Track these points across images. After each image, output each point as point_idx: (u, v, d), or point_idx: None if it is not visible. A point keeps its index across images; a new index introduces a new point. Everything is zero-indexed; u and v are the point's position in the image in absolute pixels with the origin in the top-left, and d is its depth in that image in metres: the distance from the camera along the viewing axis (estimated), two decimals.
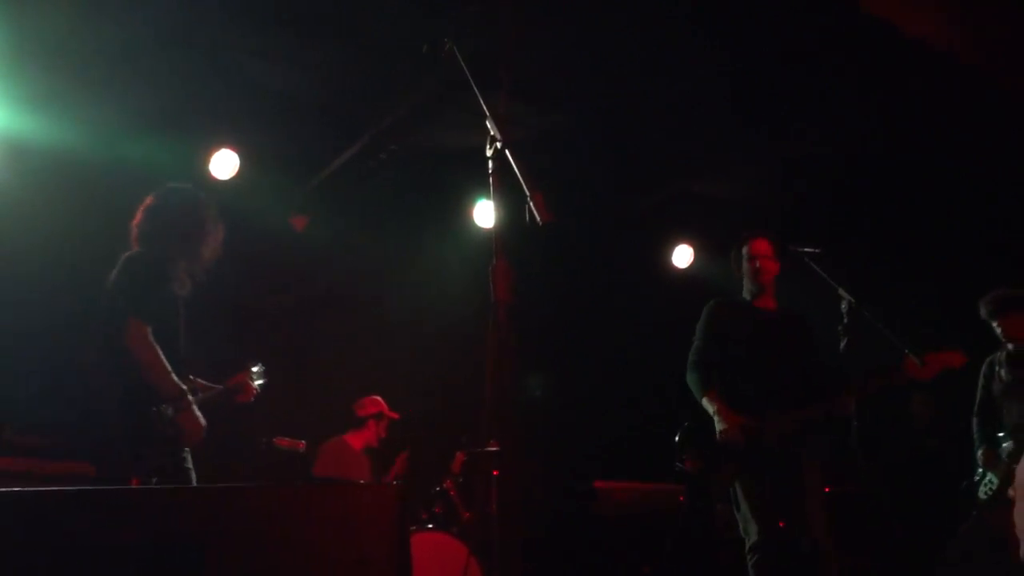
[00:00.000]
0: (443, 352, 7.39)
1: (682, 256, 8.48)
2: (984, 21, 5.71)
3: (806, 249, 4.88)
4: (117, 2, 5.18)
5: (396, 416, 6.73)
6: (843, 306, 4.63)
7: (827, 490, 5.06)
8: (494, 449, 5.83)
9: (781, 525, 4.67)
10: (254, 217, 6.42)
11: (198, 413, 3.97)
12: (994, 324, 5.55)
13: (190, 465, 4.00)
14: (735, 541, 4.92)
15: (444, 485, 6.15)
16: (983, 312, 5.62)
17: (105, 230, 6.12)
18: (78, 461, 4.98)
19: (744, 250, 5.14)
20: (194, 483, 4.00)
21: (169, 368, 3.91)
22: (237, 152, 6.56)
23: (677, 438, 5.03)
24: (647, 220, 8.36)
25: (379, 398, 6.75)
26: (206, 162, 6.50)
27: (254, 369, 4.54)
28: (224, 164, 6.54)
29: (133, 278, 4.03)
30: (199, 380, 4.34)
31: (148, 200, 4.30)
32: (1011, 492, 1.73)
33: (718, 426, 4.80)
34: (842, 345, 4.61)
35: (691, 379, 5.05)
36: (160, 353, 3.89)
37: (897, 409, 6.35)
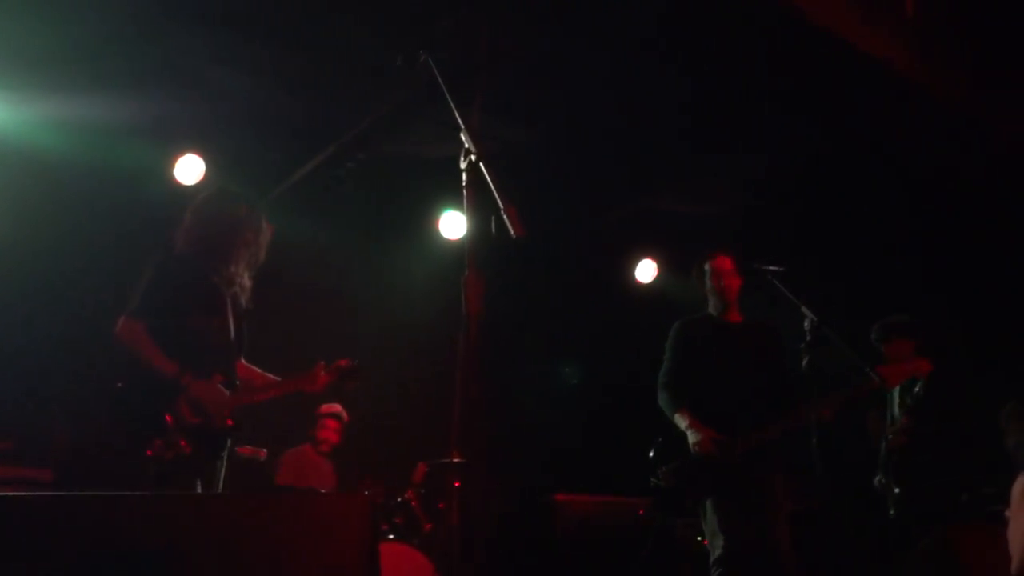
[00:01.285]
0: (407, 363, 7.38)
1: (645, 271, 8.54)
2: (931, 39, 5.84)
3: (769, 267, 4.93)
4: (82, 4, 5.13)
5: (335, 411, 6.79)
6: (806, 324, 4.68)
7: (789, 507, 5.11)
8: (456, 461, 5.87)
9: (745, 541, 4.71)
10: None
11: (204, 390, 3.90)
12: (881, 349, 5.83)
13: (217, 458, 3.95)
14: (698, 555, 4.96)
15: (406, 495, 6.13)
16: (872, 338, 5.86)
17: (68, 233, 6.09)
18: (38, 468, 4.91)
19: (707, 267, 5.20)
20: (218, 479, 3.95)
21: (159, 357, 3.87)
22: (203, 158, 6.51)
23: (651, 453, 5.07)
24: (611, 235, 8.42)
25: (335, 405, 6.73)
26: (171, 167, 6.45)
27: (342, 364, 4.38)
28: (190, 170, 6.49)
29: (142, 278, 4.07)
30: (255, 370, 4.36)
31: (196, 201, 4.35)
32: (1008, 513, 1.77)
33: (691, 439, 4.84)
34: (804, 362, 4.66)
35: (662, 399, 5.09)
36: (149, 344, 3.88)
37: (855, 427, 6.41)
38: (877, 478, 5.94)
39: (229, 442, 4.06)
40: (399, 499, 6.10)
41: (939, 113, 6.21)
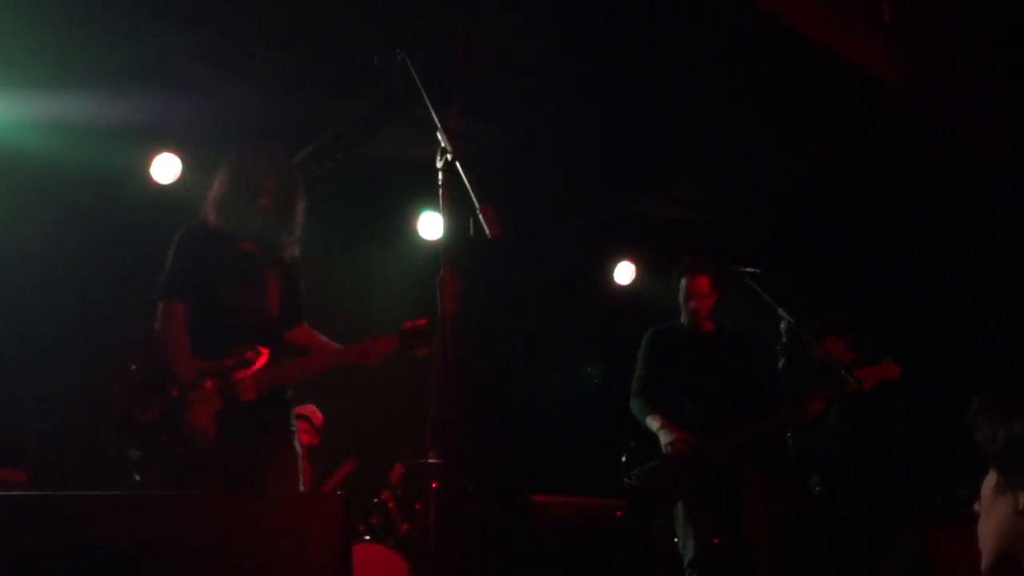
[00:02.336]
0: (384, 363, 7.35)
1: (624, 273, 8.54)
2: (909, 44, 5.88)
3: (747, 269, 4.96)
4: (57, 1, 5.09)
5: (318, 422, 6.68)
6: (782, 326, 4.71)
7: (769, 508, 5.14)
8: (433, 461, 5.85)
9: (716, 542, 4.74)
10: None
11: (206, 409, 3.56)
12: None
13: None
14: (672, 557, 4.98)
15: (382, 496, 6.11)
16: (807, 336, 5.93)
17: (38, 232, 6.03)
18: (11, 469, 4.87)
19: (683, 285, 5.24)
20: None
21: (181, 350, 3.61)
22: (179, 156, 6.46)
23: (624, 456, 5.09)
24: (590, 237, 8.42)
25: (309, 406, 6.68)
26: (147, 165, 6.40)
27: (410, 326, 3.92)
28: (166, 168, 6.44)
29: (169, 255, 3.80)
30: (318, 337, 4.01)
31: None
32: (976, 506, 1.79)
33: (663, 440, 4.88)
34: (780, 364, 4.69)
35: (634, 406, 5.15)
36: (172, 331, 3.64)
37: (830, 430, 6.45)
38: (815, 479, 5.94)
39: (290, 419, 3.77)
40: (375, 500, 6.07)
41: (917, 118, 6.25)
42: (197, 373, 3.61)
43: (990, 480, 1.76)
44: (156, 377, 3.59)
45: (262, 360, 3.72)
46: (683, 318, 5.28)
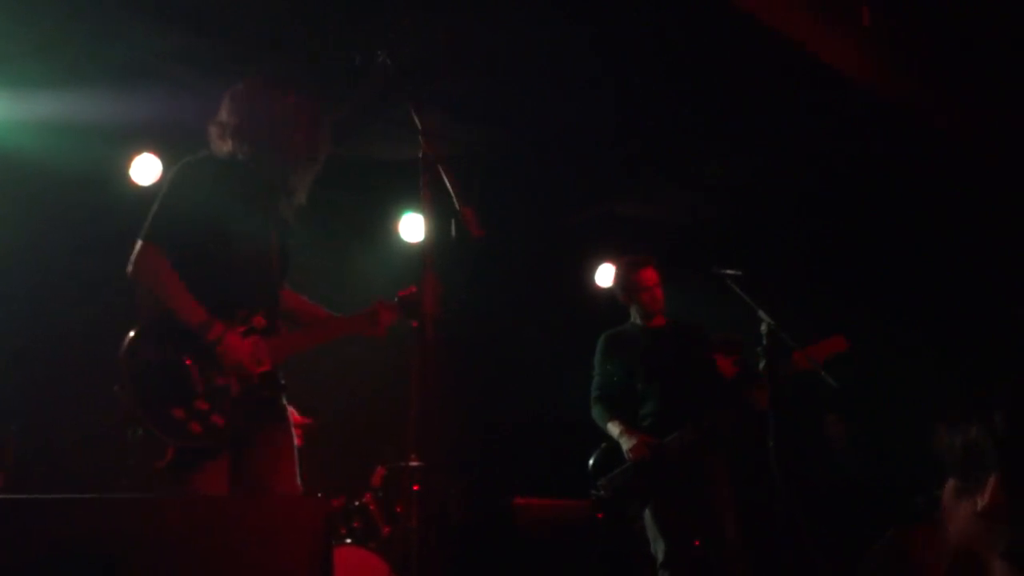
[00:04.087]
0: (365, 365, 7.34)
1: (605, 275, 8.54)
2: (888, 49, 5.93)
3: (727, 271, 4.98)
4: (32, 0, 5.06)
5: (308, 421, 6.58)
6: (763, 328, 4.73)
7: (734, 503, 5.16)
8: (415, 464, 5.84)
9: (696, 544, 4.77)
10: None
11: (237, 341, 3.18)
12: None
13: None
14: (651, 557, 5.00)
15: (363, 499, 6.09)
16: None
17: (15, 233, 5.98)
18: None
19: (632, 279, 5.25)
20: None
21: (186, 299, 3.15)
22: (160, 157, 6.42)
23: (591, 464, 5.13)
24: (571, 239, 8.43)
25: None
26: (127, 167, 6.36)
27: (407, 295, 3.61)
28: (146, 169, 6.39)
29: (161, 192, 3.29)
30: (304, 300, 3.70)
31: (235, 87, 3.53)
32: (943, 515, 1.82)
33: (624, 446, 4.93)
34: (762, 366, 4.71)
35: (595, 413, 5.21)
36: (174, 281, 3.15)
37: (813, 432, 6.50)
38: None
39: (283, 400, 3.41)
40: (356, 503, 6.06)
41: (896, 121, 6.30)
42: (208, 315, 3.17)
43: (950, 487, 1.79)
44: (159, 339, 3.15)
45: (273, 325, 3.37)
46: (633, 317, 5.33)
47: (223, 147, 3.40)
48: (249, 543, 2.40)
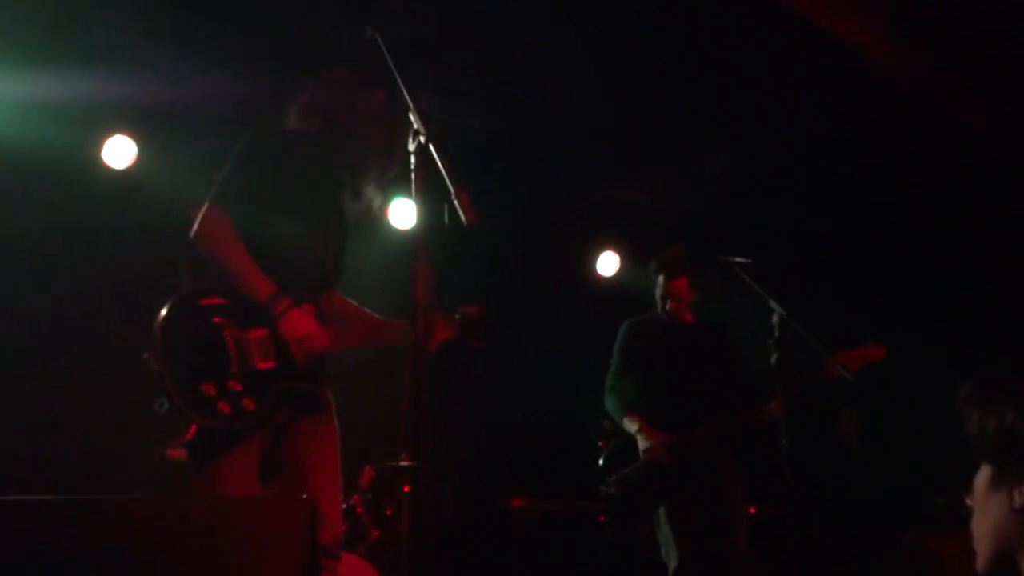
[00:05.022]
0: (353, 360, 7.31)
1: (607, 263, 8.53)
2: (916, 33, 5.90)
3: (736, 259, 4.96)
4: None
5: None
6: (774, 319, 4.70)
7: (752, 511, 5.16)
8: (406, 464, 5.83)
9: (704, 547, 4.76)
10: (152, 209, 6.26)
11: (305, 316, 3.18)
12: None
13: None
14: (658, 564, 4.99)
15: (351, 501, 6.08)
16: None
17: None
18: None
19: (660, 283, 5.23)
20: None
21: (252, 268, 3.14)
22: (134, 139, 6.38)
23: (601, 461, 5.09)
24: (571, 225, 8.41)
25: None
26: (99, 148, 6.32)
27: (468, 313, 3.68)
28: (119, 151, 6.35)
29: (232, 156, 3.33)
30: (350, 303, 3.65)
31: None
32: (970, 501, 1.75)
33: (641, 445, 4.88)
34: (773, 359, 4.69)
35: (609, 404, 5.15)
36: (237, 248, 3.15)
37: (827, 428, 6.48)
38: None
39: (329, 395, 3.36)
40: (344, 505, 6.05)
41: (910, 102, 6.28)
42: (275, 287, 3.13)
43: (983, 475, 1.72)
44: (201, 311, 3.12)
45: (323, 317, 3.33)
46: (662, 308, 5.30)
47: (302, 127, 3.44)
48: (233, 545, 2.40)
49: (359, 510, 6.06)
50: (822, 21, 5.43)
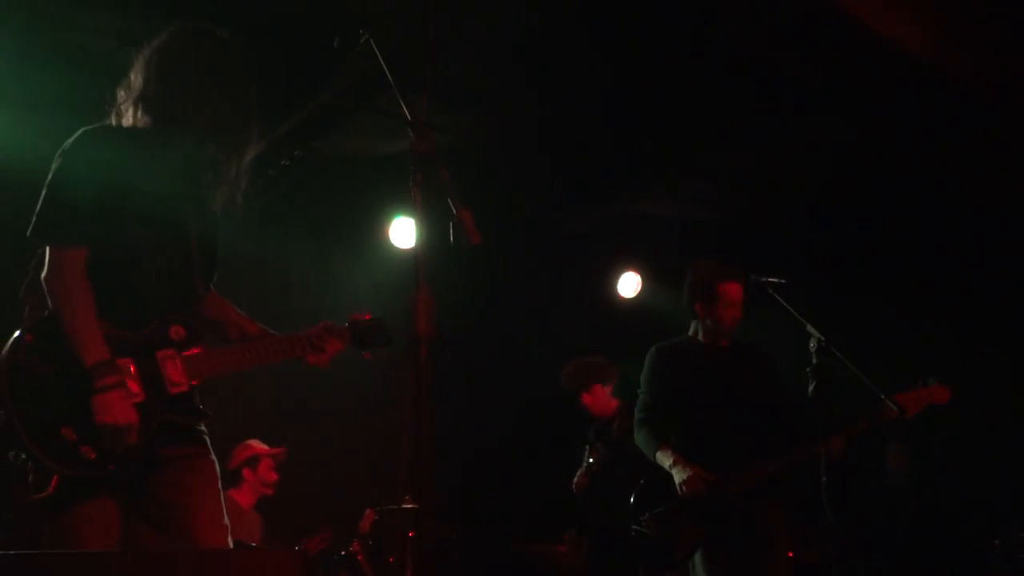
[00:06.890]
0: (351, 392, 7.32)
1: (628, 284, 8.52)
2: (963, 25, 5.89)
3: (770, 279, 4.92)
4: None
5: (277, 451, 6.49)
6: (812, 345, 4.66)
7: (791, 555, 5.10)
8: (409, 506, 5.82)
9: None
10: None
11: (123, 399, 2.90)
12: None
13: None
14: None
15: (351, 548, 6.08)
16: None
17: None
18: None
19: (718, 289, 5.09)
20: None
21: (88, 315, 2.91)
22: None
23: (633, 498, 5.03)
24: (589, 244, 8.41)
25: (252, 441, 6.53)
26: None
27: (360, 320, 3.46)
28: None
29: (50, 175, 3.01)
30: (231, 308, 3.41)
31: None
32: None
33: (677, 478, 4.81)
34: (811, 388, 4.64)
35: (639, 437, 5.08)
36: (76, 284, 2.93)
37: (870, 462, 6.44)
38: None
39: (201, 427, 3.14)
40: (343, 552, 6.04)
41: (954, 97, 6.26)
42: (111, 348, 2.93)
43: None
44: (54, 343, 2.92)
45: (194, 337, 3.11)
46: (699, 331, 5.20)
47: (128, 116, 3.14)
48: None
49: (359, 557, 6.05)
50: (866, 20, 5.42)
